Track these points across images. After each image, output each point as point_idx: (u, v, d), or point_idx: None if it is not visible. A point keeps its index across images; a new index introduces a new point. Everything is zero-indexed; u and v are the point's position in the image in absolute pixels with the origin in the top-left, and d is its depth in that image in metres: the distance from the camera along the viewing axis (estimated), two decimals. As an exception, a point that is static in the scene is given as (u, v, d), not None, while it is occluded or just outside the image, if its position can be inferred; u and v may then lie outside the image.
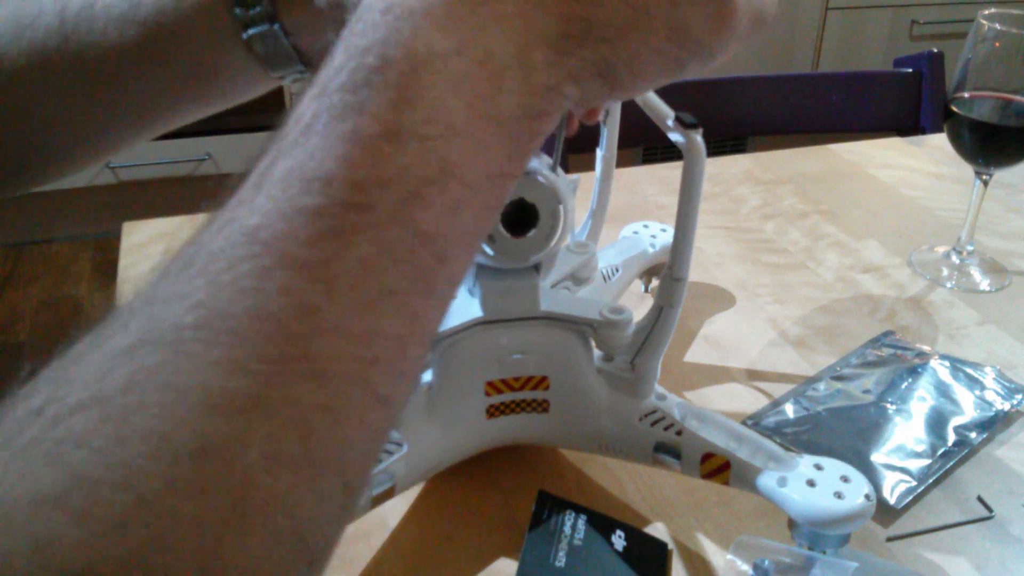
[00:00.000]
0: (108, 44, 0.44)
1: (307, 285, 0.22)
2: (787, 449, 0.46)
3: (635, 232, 0.67)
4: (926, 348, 0.64)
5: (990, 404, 0.58)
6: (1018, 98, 0.69)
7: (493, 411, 0.48)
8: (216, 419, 0.20)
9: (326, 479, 0.23)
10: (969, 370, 0.61)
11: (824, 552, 0.43)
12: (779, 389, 0.61)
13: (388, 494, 0.45)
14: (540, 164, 0.44)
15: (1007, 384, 0.60)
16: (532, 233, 0.44)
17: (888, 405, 0.58)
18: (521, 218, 0.44)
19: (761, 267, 0.76)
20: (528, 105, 0.27)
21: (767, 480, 0.44)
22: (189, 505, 0.20)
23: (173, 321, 0.22)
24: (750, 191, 0.90)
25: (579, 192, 0.52)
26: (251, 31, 0.45)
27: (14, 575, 0.18)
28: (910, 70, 1.19)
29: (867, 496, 0.42)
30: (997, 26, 0.67)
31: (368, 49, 0.25)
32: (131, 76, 0.45)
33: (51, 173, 0.50)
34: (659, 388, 0.49)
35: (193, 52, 0.45)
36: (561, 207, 0.44)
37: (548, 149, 0.44)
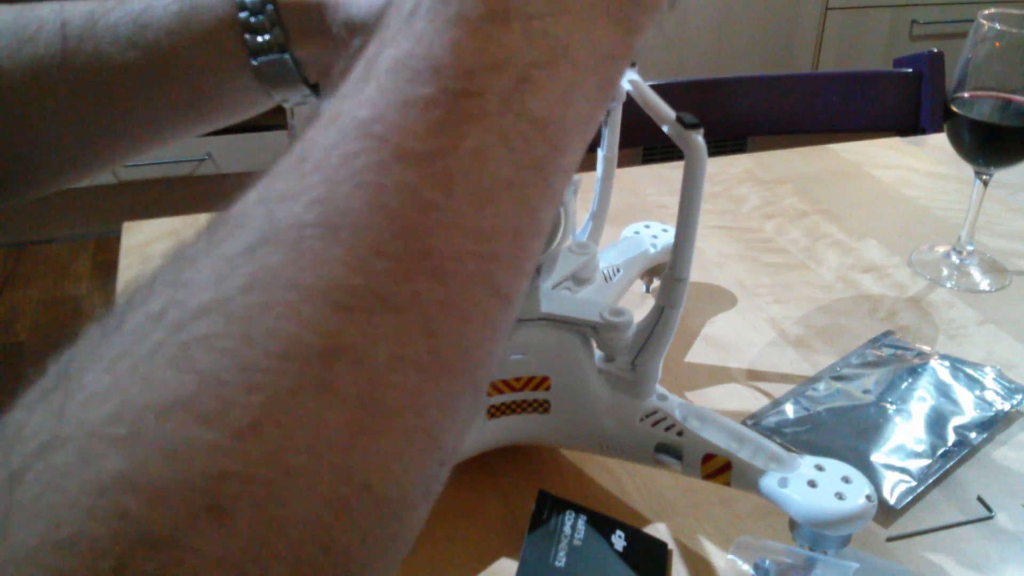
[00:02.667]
0: (111, 65, 0.44)
1: (425, 179, 0.21)
2: (787, 449, 0.46)
3: (636, 232, 0.67)
4: (926, 348, 0.64)
5: (990, 404, 0.58)
6: (1018, 98, 0.69)
7: (494, 411, 0.48)
8: (342, 318, 0.20)
9: (454, 378, 0.22)
10: (969, 370, 0.61)
11: (825, 553, 0.43)
12: (779, 389, 0.61)
13: (389, 494, 0.45)
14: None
15: (1007, 384, 0.60)
16: (533, 234, 0.44)
17: (888, 405, 0.58)
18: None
19: (761, 267, 0.76)
20: None
21: (768, 481, 0.44)
22: (320, 405, 0.19)
23: (292, 219, 0.21)
24: (750, 191, 0.90)
25: (580, 192, 0.52)
26: (261, 59, 0.45)
27: (150, 484, 0.17)
28: (910, 70, 1.19)
29: (868, 497, 0.42)
30: (997, 26, 0.67)
31: None
32: (133, 96, 0.45)
33: (47, 184, 0.49)
34: (660, 388, 0.49)
35: (199, 75, 0.45)
36: (562, 209, 0.44)
37: None
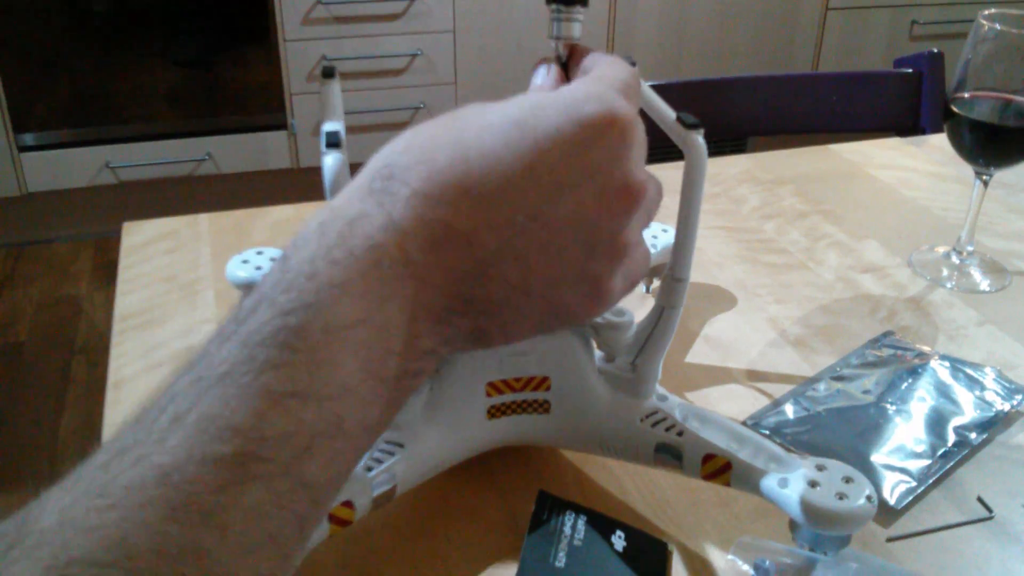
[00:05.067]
0: None
1: (205, 530, 0.25)
2: (787, 450, 0.46)
3: (635, 232, 0.67)
4: (926, 348, 0.64)
5: (990, 404, 0.58)
6: (1018, 98, 0.69)
7: (494, 412, 0.48)
8: None
9: None
10: (969, 370, 0.61)
11: (825, 553, 0.43)
12: (779, 389, 0.61)
13: (389, 495, 0.45)
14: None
15: (1007, 384, 0.60)
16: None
17: (888, 405, 0.58)
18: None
19: (761, 267, 0.76)
20: (407, 366, 0.31)
21: (769, 481, 0.44)
22: None
23: (86, 555, 0.24)
24: (750, 191, 0.90)
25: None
26: None
27: None
28: (910, 70, 1.19)
29: (869, 497, 0.42)
30: (997, 26, 0.67)
31: (291, 311, 0.28)
32: None
33: None
34: (660, 389, 0.49)
35: None
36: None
37: None
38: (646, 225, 0.37)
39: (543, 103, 0.33)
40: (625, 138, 0.33)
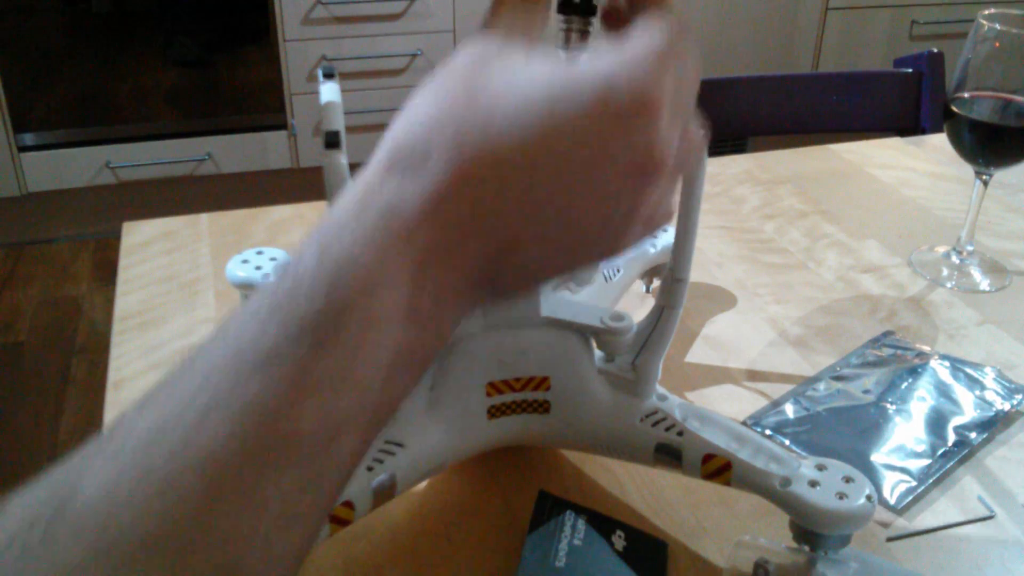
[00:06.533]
0: None
1: (245, 511, 0.27)
2: (787, 450, 0.46)
3: (635, 232, 0.67)
4: (926, 348, 0.64)
5: (990, 404, 0.58)
6: (1018, 98, 0.69)
7: (494, 412, 0.48)
8: None
9: None
10: (969, 370, 0.61)
11: (825, 552, 0.43)
12: (779, 389, 0.61)
13: (389, 494, 0.45)
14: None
15: (1007, 384, 0.60)
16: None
17: (888, 405, 0.58)
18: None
19: (761, 267, 0.76)
20: (429, 345, 0.32)
21: (769, 481, 0.44)
22: None
23: (133, 536, 0.25)
24: (750, 191, 0.90)
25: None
26: None
27: None
28: (910, 70, 1.19)
29: (869, 497, 0.42)
30: (997, 26, 0.67)
31: (331, 300, 0.29)
32: None
33: None
34: (660, 389, 0.49)
35: None
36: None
37: None
38: (673, 183, 0.36)
39: (578, 82, 0.32)
40: (654, 118, 0.33)
